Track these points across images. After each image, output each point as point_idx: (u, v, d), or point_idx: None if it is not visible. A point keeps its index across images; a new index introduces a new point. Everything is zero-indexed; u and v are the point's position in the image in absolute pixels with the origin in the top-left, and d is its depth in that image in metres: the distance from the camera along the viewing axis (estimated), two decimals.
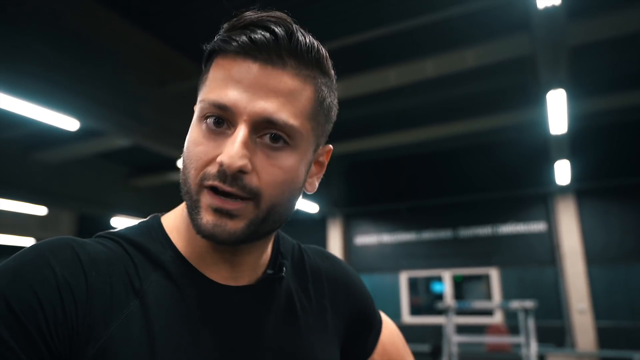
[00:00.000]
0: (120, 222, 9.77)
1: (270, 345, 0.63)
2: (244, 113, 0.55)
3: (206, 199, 0.56)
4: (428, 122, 7.36)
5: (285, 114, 0.56)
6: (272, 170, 0.57)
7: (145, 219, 0.68)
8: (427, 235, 9.83)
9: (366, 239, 10.39)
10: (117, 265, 0.58)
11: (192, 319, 0.58)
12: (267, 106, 0.55)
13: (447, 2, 4.47)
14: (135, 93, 5.11)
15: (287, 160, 0.58)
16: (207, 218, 0.56)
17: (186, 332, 0.57)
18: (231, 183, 0.55)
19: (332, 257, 0.84)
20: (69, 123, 4.81)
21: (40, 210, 9.92)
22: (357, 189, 10.08)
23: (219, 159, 0.54)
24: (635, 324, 7.93)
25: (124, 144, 7.00)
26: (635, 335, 7.78)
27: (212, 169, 0.56)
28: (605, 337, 8.06)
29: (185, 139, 0.61)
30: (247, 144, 0.55)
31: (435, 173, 9.33)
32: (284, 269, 0.69)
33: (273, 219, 0.59)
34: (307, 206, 8.68)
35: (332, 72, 0.63)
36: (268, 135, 0.57)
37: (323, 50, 0.61)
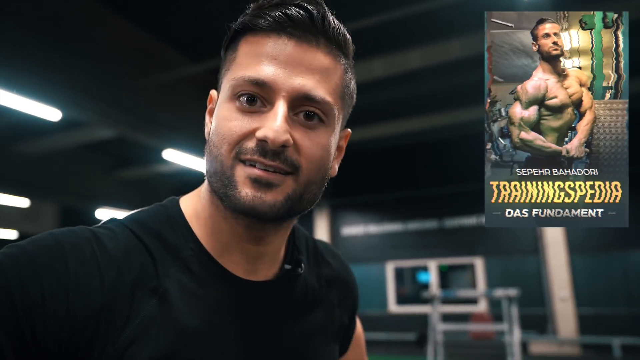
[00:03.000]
0: (105, 214, 9.67)
1: (285, 342, 0.63)
2: (283, 89, 0.54)
3: (243, 172, 0.54)
4: (413, 114, 7.39)
5: (322, 91, 0.56)
6: (311, 146, 0.56)
7: (162, 202, 0.65)
8: (413, 225, 9.90)
9: (353, 229, 10.43)
10: (135, 262, 0.55)
11: (214, 315, 0.57)
12: (305, 82, 0.55)
13: None
14: (119, 83, 5.03)
15: (323, 137, 0.58)
16: (245, 191, 0.54)
17: (208, 329, 0.56)
18: (272, 157, 0.54)
19: (340, 256, 0.84)
20: (50, 113, 4.71)
21: (22, 202, 9.77)
22: (344, 180, 10.07)
23: (260, 133, 0.53)
24: (615, 310, 8.11)
25: (107, 135, 6.90)
26: (615, 322, 7.97)
27: (250, 144, 0.54)
28: (585, 324, 8.23)
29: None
30: (288, 120, 0.55)
31: (421, 164, 9.37)
32: (302, 265, 0.68)
33: (307, 199, 0.58)
34: None
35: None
36: (302, 113, 0.56)
37: (348, 34, 0.61)
